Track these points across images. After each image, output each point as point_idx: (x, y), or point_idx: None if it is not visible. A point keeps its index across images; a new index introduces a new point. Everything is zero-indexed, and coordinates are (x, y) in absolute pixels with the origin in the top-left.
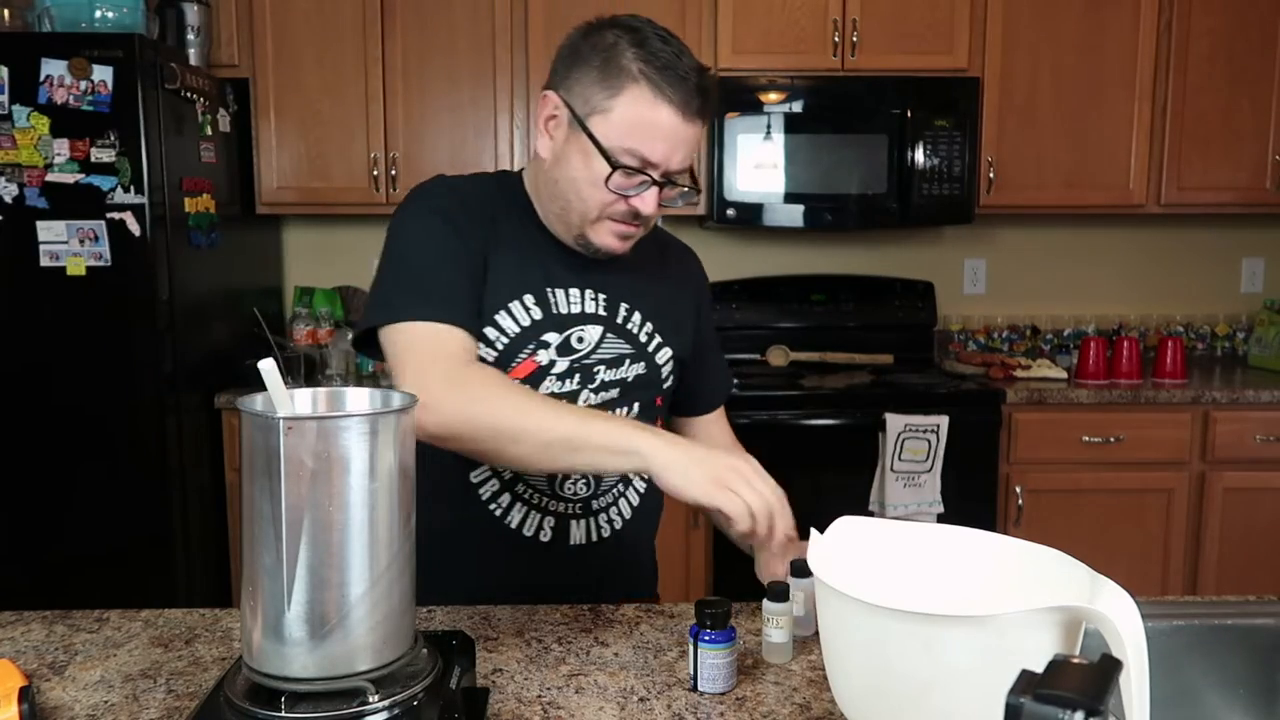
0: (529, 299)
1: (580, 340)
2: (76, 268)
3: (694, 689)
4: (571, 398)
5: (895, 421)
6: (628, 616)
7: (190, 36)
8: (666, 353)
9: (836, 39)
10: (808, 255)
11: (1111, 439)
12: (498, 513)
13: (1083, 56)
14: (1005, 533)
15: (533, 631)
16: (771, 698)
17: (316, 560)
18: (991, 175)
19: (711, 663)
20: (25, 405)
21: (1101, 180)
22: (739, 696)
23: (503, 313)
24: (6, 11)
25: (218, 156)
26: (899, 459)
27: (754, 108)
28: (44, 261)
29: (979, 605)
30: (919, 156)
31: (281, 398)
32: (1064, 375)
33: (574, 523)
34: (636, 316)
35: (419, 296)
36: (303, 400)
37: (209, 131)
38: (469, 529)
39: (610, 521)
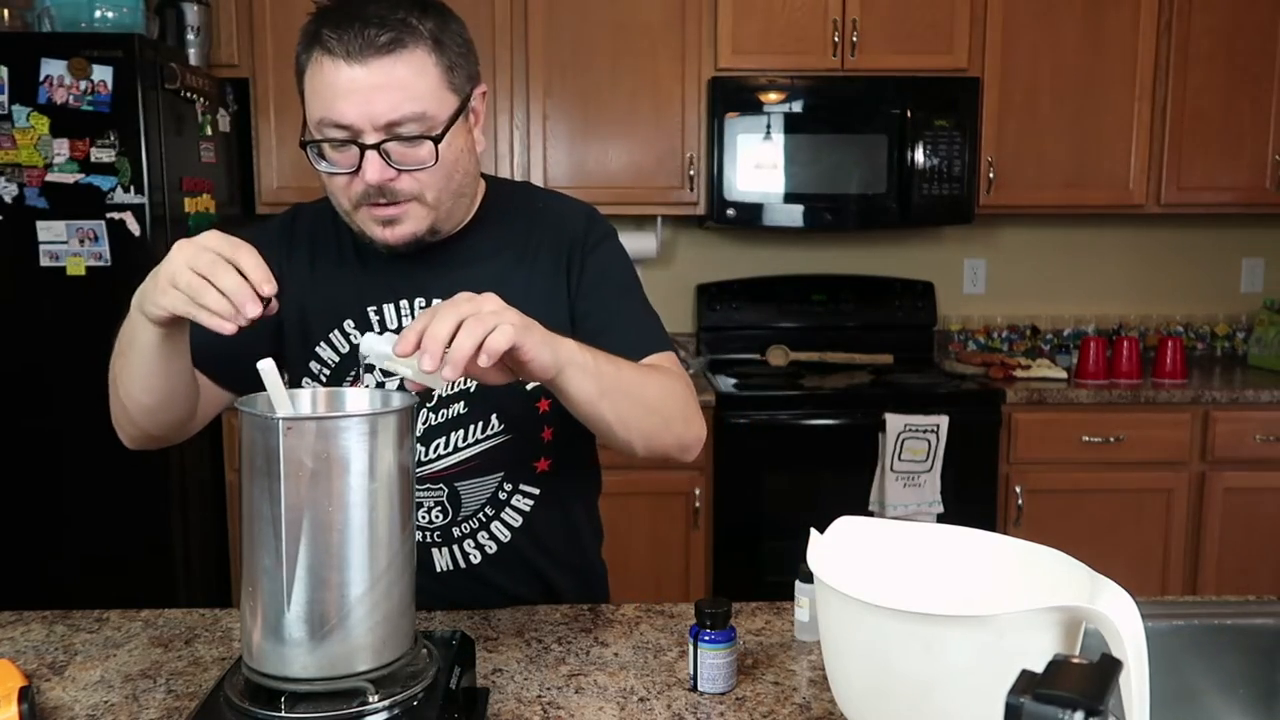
0: (348, 324)
1: None
2: (76, 268)
3: (694, 689)
4: None
5: (895, 421)
6: (628, 616)
7: (190, 36)
8: None
9: (836, 39)
10: (808, 255)
11: (1111, 439)
12: None
13: (1083, 56)
14: (1005, 533)
15: (533, 631)
16: (771, 698)
17: (316, 561)
18: (991, 175)
19: (711, 663)
20: (25, 405)
21: (1101, 180)
22: (739, 696)
23: (322, 344)
24: (6, 11)
25: (218, 156)
26: (899, 459)
27: (754, 108)
28: (44, 261)
29: (979, 605)
30: (919, 156)
31: (280, 398)
32: (1064, 375)
33: (435, 550)
34: None
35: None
36: (302, 400)
37: (209, 131)
38: None
39: (480, 547)
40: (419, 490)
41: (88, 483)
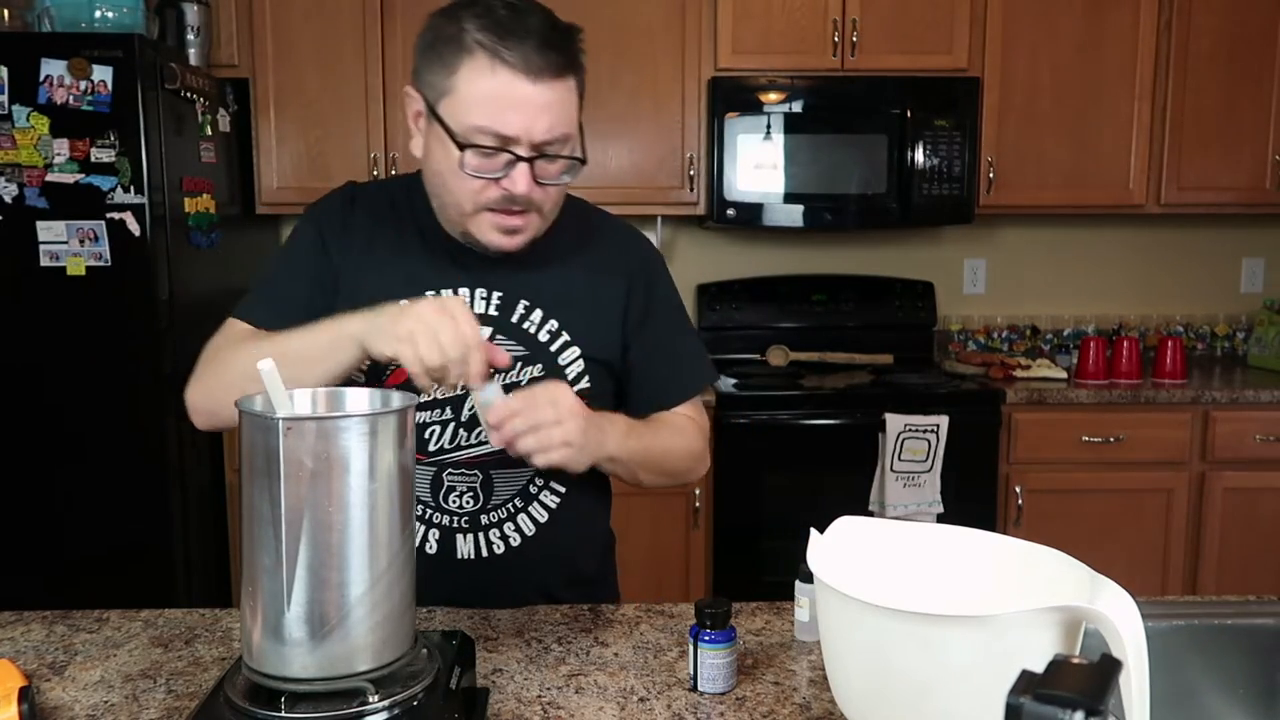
0: (404, 304)
1: None
2: (76, 268)
3: (694, 689)
4: (455, 405)
5: (895, 421)
6: (628, 616)
7: (190, 36)
8: (572, 353)
9: (836, 39)
10: (808, 255)
11: (1111, 439)
12: None
13: (1083, 56)
14: (1005, 533)
15: (533, 631)
16: (771, 698)
17: (316, 561)
18: (991, 175)
19: (711, 663)
20: (25, 405)
21: (1101, 180)
22: (739, 696)
23: None
24: (6, 11)
25: (218, 156)
26: (899, 459)
27: (754, 108)
28: (44, 261)
29: (979, 605)
30: (919, 156)
31: (281, 398)
32: (1064, 375)
33: (460, 536)
34: (537, 315)
35: (256, 298)
36: (302, 401)
37: (209, 131)
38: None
39: (505, 538)
40: (454, 474)
41: (87, 483)
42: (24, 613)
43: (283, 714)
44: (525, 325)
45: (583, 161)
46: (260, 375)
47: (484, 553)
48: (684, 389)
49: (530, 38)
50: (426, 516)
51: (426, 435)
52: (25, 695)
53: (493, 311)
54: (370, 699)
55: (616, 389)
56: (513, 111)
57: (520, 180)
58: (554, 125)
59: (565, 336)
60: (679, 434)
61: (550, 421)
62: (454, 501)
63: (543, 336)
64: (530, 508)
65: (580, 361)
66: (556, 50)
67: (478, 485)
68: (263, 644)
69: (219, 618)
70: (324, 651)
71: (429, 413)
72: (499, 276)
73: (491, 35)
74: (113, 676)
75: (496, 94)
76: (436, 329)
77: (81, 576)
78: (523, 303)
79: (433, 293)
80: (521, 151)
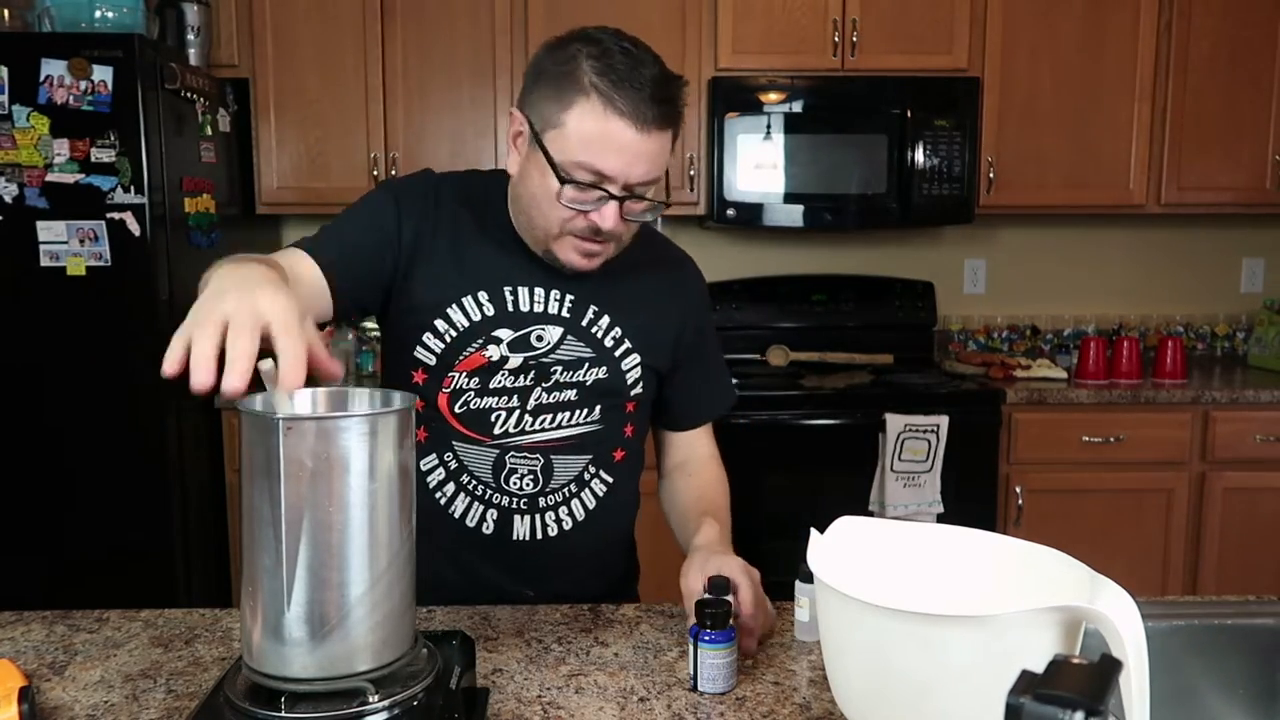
0: (482, 295)
1: (539, 339)
2: (76, 268)
3: (694, 689)
4: (523, 394)
5: (895, 421)
6: (628, 616)
7: (190, 36)
8: (634, 359)
9: (836, 39)
10: (808, 255)
11: (1111, 439)
12: (442, 501)
13: (1083, 56)
14: (1005, 533)
15: (533, 631)
16: (771, 698)
17: (316, 561)
18: (991, 175)
19: (711, 663)
20: (25, 405)
21: (1101, 180)
22: (739, 696)
23: (454, 306)
24: (6, 11)
25: (218, 156)
26: (899, 459)
27: (754, 108)
28: (44, 261)
29: (979, 605)
30: (919, 156)
31: (281, 398)
32: (1064, 375)
33: (517, 518)
34: (604, 321)
35: (322, 235)
36: (302, 400)
37: (209, 131)
38: (425, 517)
39: (559, 520)
40: (516, 457)
41: (88, 483)
42: (24, 613)
43: (283, 714)
44: (593, 330)
45: (667, 205)
46: (261, 373)
47: (539, 534)
48: (713, 409)
49: (645, 88)
50: (486, 497)
51: (492, 419)
52: (25, 695)
53: (564, 313)
54: (370, 699)
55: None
56: (615, 155)
57: (609, 217)
58: (649, 170)
59: (628, 344)
60: (723, 486)
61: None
62: (515, 484)
63: (608, 342)
64: (583, 493)
65: (639, 368)
66: (667, 103)
67: (538, 469)
68: (263, 644)
69: (219, 618)
70: (324, 651)
71: (494, 399)
72: (570, 281)
73: (609, 81)
74: (113, 676)
75: (604, 137)
76: (230, 324)
77: (81, 577)
78: (591, 308)
79: (509, 289)
80: (615, 190)
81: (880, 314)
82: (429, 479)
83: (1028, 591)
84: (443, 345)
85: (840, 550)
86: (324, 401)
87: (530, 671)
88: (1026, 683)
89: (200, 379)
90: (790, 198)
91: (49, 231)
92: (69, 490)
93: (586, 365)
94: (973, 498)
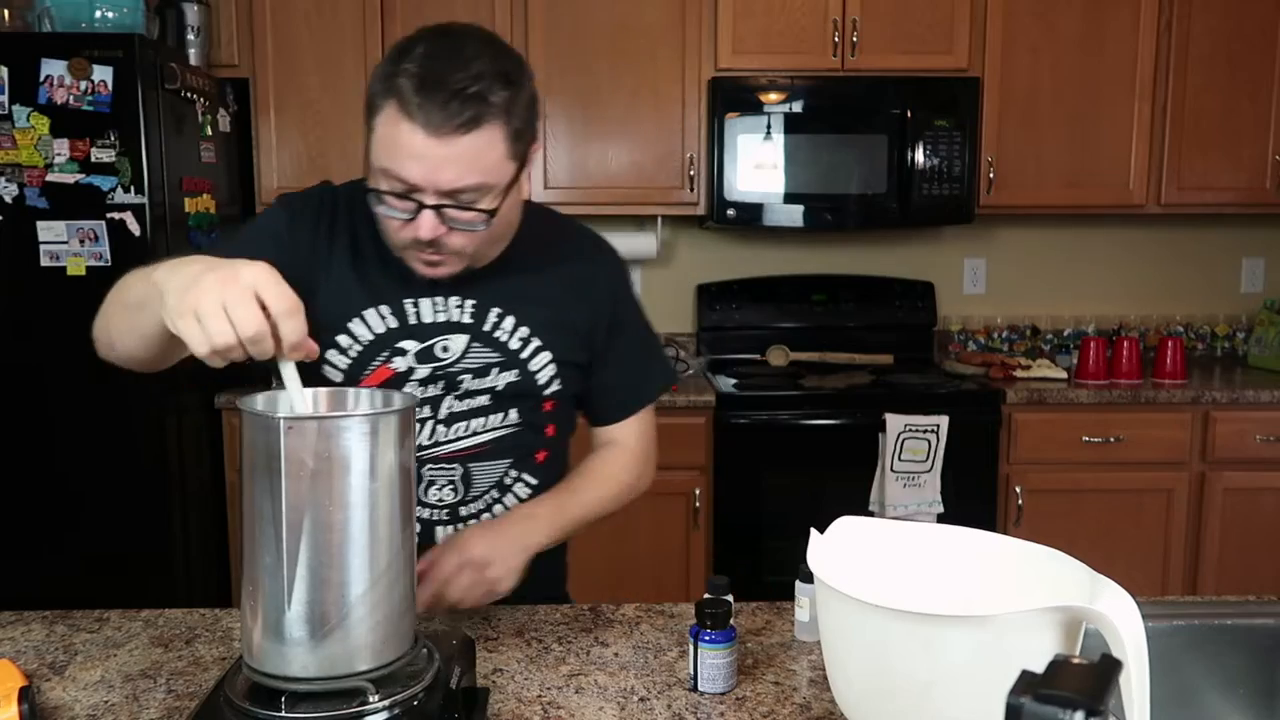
0: (384, 309)
1: (445, 349)
2: (76, 268)
3: (694, 689)
4: (434, 404)
5: (895, 421)
6: (628, 616)
7: (190, 36)
8: (544, 358)
9: (836, 39)
10: (808, 255)
11: (1111, 439)
12: None
13: (1083, 56)
14: (1005, 533)
15: (533, 631)
16: (771, 698)
17: (316, 560)
18: (991, 175)
19: (711, 663)
20: (25, 405)
21: (1101, 180)
22: (739, 696)
23: (356, 320)
24: (6, 11)
25: (218, 156)
26: (899, 459)
27: (754, 108)
28: (44, 261)
29: (979, 605)
30: (919, 156)
31: (298, 395)
32: (1064, 375)
33: (439, 529)
34: (509, 322)
35: (222, 254)
36: (303, 400)
37: (209, 131)
38: None
39: None
40: (433, 469)
41: (88, 482)
42: (24, 613)
43: (283, 714)
44: (497, 334)
45: (491, 214)
46: (281, 370)
47: None
48: (640, 398)
49: (439, 90)
50: None
51: None
52: (25, 695)
53: (467, 319)
54: (370, 699)
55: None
56: (413, 161)
57: (425, 227)
58: (462, 175)
59: (537, 342)
60: (607, 482)
61: (459, 569)
62: (434, 495)
63: (514, 344)
64: (506, 498)
65: (552, 366)
66: (466, 103)
67: (457, 478)
68: (263, 643)
69: (219, 618)
70: (324, 651)
71: None
72: (472, 286)
73: (413, 83)
74: (113, 676)
75: (398, 144)
76: (225, 302)
77: (81, 576)
78: (494, 311)
79: (412, 300)
80: (427, 199)
81: (880, 314)
82: None
83: (1028, 591)
84: (348, 360)
85: (840, 550)
86: (325, 401)
87: (530, 671)
88: (1026, 683)
89: (224, 343)
90: (790, 198)
91: (49, 231)
92: (69, 490)
93: (495, 370)
94: (973, 498)
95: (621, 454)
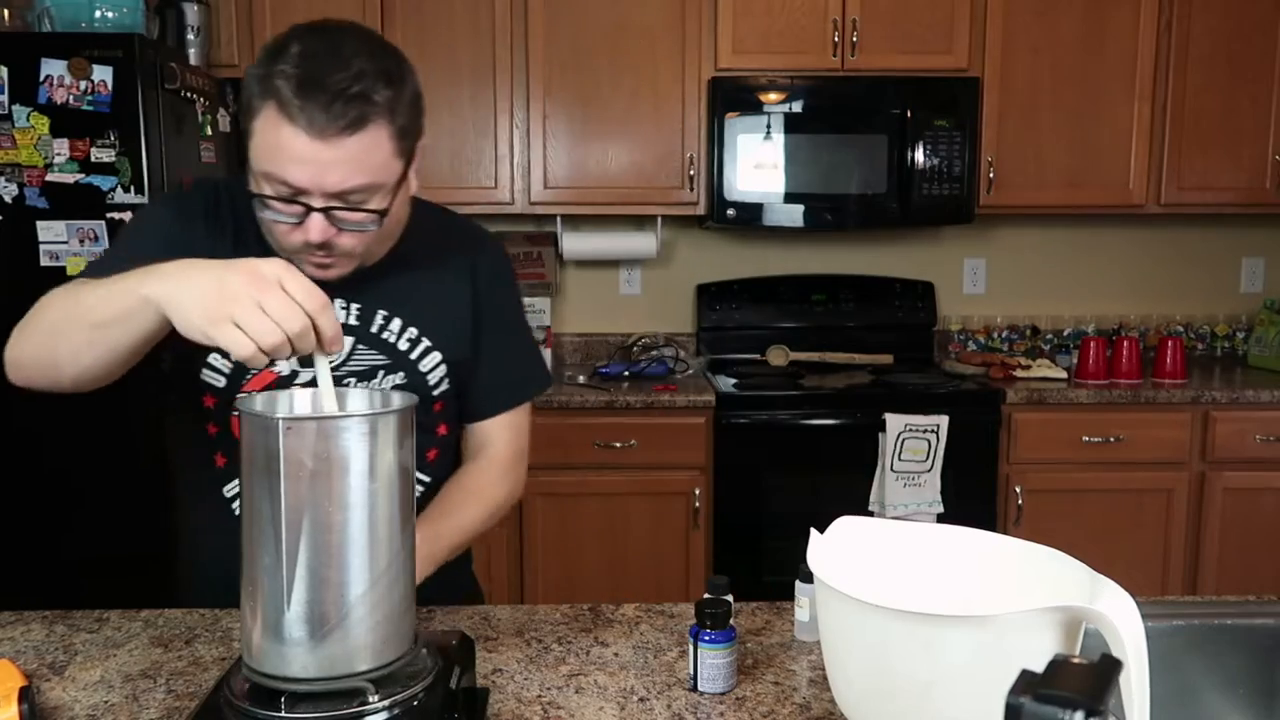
0: (208, 272)
1: None
2: (77, 268)
3: (694, 689)
4: None
5: (895, 421)
6: (628, 616)
7: (190, 36)
8: (434, 358)
9: (836, 39)
10: (808, 255)
11: (1111, 439)
12: None
13: (1083, 56)
14: (1005, 533)
15: (533, 631)
16: (771, 698)
17: (316, 560)
18: (991, 175)
19: (711, 663)
20: (25, 405)
21: (1101, 180)
22: (739, 696)
23: None
24: (6, 11)
25: (218, 156)
26: (899, 459)
27: (754, 108)
28: (44, 261)
29: (979, 605)
30: (919, 156)
31: (329, 393)
32: (1064, 375)
33: None
34: (395, 324)
35: (110, 260)
36: (302, 400)
37: (209, 131)
38: (230, 544)
39: None
40: None
41: (88, 483)
42: (24, 613)
43: (283, 714)
44: (384, 335)
45: (382, 214)
46: (316, 367)
47: None
48: (511, 396)
49: (319, 92)
50: None
51: None
52: (25, 695)
53: (353, 321)
54: (370, 699)
55: None
56: (296, 164)
57: (314, 230)
58: (349, 177)
59: (426, 343)
60: (481, 501)
61: None
62: None
63: (402, 345)
64: None
65: (442, 366)
66: (349, 103)
67: None
68: (263, 644)
69: (219, 618)
70: (324, 651)
71: None
72: (357, 287)
73: (292, 85)
74: (113, 676)
75: (281, 146)
76: (261, 302)
77: (81, 577)
78: (381, 313)
79: None
80: (314, 202)
81: (880, 314)
82: (235, 507)
83: (1028, 591)
84: (231, 364)
85: (840, 550)
86: (345, 401)
87: (530, 671)
88: (1026, 683)
89: (273, 342)
90: (790, 198)
91: (49, 231)
92: (69, 490)
93: (382, 373)
94: (973, 498)
95: (492, 467)
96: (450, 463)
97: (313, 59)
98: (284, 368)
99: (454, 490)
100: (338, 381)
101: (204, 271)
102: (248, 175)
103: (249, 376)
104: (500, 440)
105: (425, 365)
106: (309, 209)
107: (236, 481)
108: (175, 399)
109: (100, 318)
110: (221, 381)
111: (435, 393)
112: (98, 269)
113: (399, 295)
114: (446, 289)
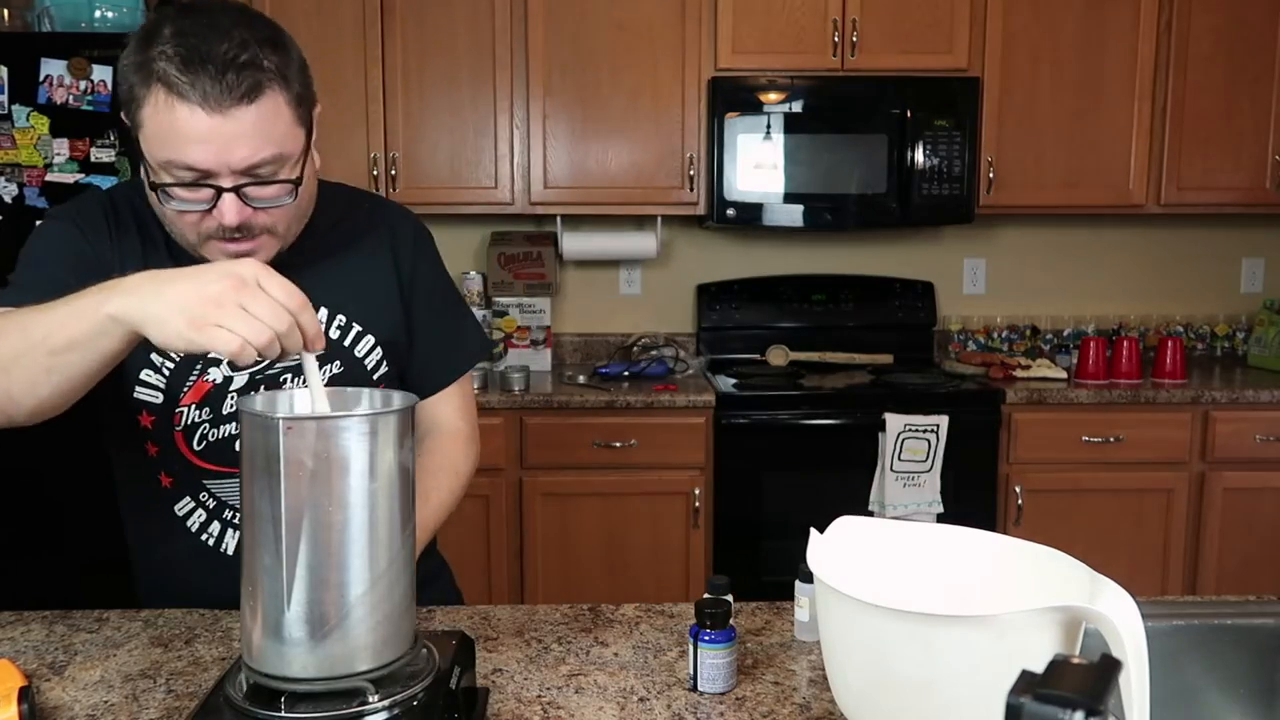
0: (178, 280)
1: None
2: None
3: (694, 689)
4: None
5: (895, 421)
6: (628, 616)
7: None
8: (368, 341)
9: (836, 39)
10: (808, 255)
11: (1111, 439)
12: (211, 542)
13: (1083, 56)
14: (1005, 533)
15: (533, 631)
16: (771, 698)
17: (316, 560)
18: (991, 175)
19: (711, 663)
20: None
21: (1101, 180)
22: (739, 696)
23: None
24: (6, 11)
25: None
26: (899, 459)
27: (754, 108)
28: None
29: (979, 605)
30: (919, 156)
31: (319, 392)
32: (1064, 375)
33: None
34: (322, 313)
35: (17, 286)
36: (302, 400)
37: None
38: (184, 560)
39: None
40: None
41: (87, 483)
42: (24, 613)
43: (283, 714)
44: None
45: (296, 184)
46: (305, 366)
47: None
48: (453, 369)
49: (206, 64)
50: (234, 520)
51: (235, 447)
52: (25, 695)
53: None
54: (370, 699)
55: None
56: (198, 146)
57: (228, 212)
58: (256, 150)
59: (357, 328)
60: (451, 477)
61: None
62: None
63: (333, 334)
64: None
65: (378, 350)
66: (240, 71)
67: None
68: (263, 644)
69: (219, 618)
70: (324, 651)
71: (230, 425)
72: None
73: (175, 65)
74: (113, 676)
75: (177, 128)
76: (243, 304)
77: (81, 577)
78: None
79: None
80: (224, 183)
81: (880, 314)
82: (189, 523)
83: (1028, 591)
84: (165, 379)
85: (840, 550)
86: (337, 400)
87: (530, 671)
88: (1026, 683)
89: (264, 340)
90: (790, 198)
91: None
92: (69, 490)
93: (319, 365)
94: (973, 498)
95: (454, 442)
96: None
97: (191, 35)
98: (216, 375)
99: (422, 474)
100: (274, 380)
101: (176, 281)
102: (143, 171)
103: (184, 391)
104: (453, 413)
105: (360, 350)
106: (219, 190)
107: (188, 499)
108: (109, 418)
109: (58, 343)
110: (158, 398)
111: (375, 376)
112: (12, 297)
113: (321, 283)
114: (369, 269)
